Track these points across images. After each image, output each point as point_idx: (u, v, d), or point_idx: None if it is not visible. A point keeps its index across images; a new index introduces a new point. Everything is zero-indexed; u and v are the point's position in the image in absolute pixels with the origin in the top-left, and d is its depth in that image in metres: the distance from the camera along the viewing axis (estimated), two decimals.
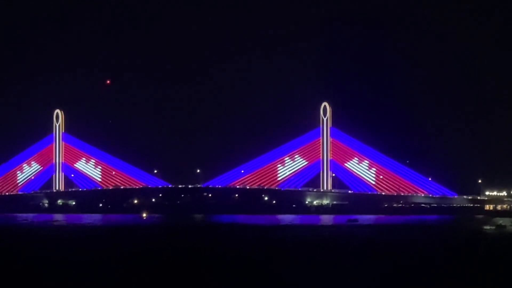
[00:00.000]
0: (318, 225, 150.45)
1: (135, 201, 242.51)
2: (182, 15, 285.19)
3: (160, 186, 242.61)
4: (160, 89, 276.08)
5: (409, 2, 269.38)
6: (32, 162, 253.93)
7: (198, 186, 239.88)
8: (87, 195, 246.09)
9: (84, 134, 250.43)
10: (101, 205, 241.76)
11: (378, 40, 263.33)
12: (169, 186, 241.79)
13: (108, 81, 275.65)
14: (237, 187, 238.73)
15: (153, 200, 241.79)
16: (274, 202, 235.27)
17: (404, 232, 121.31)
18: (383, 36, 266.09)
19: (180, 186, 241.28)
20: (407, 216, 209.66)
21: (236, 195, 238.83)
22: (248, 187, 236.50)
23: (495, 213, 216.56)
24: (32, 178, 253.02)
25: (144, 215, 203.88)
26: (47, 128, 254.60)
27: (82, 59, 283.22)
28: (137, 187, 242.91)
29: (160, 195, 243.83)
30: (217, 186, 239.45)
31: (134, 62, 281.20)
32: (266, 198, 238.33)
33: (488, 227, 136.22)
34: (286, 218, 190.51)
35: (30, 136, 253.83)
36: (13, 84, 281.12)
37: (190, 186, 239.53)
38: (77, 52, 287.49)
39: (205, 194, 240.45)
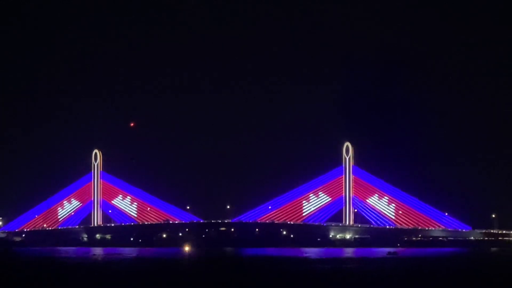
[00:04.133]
0: (361, 258, 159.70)
1: (164, 235, 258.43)
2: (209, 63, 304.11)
3: (193, 221, 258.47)
4: (192, 130, 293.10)
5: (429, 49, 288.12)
6: (72, 199, 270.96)
7: (227, 221, 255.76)
8: (124, 230, 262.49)
9: (121, 172, 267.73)
10: (132, 239, 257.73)
11: (396, 81, 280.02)
12: (201, 221, 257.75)
13: (132, 124, 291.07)
14: (266, 222, 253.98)
15: (180, 234, 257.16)
16: (293, 236, 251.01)
17: (449, 264, 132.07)
18: (399, 78, 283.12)
19: (210, 221, 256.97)
20: (431, 248, 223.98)
21: (262, 229, 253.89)
22: (275, 222, 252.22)
23: None
24: (72, 214, 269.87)
25: (187, 249, 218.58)
26: (86, 167, 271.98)
27: (118, 99, 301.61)
28: (170, 222, 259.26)
29: (187, 229, 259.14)
30: (245, 221, 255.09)
31: (167, 103, 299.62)
32: (291, 233, 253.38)
33: None
34: (320, 251, 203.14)
35: (69, 174, 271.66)
36: (52, 124, 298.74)
37: (219, 221, 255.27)
38: (112, 94, 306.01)
39: (233, 229, 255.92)
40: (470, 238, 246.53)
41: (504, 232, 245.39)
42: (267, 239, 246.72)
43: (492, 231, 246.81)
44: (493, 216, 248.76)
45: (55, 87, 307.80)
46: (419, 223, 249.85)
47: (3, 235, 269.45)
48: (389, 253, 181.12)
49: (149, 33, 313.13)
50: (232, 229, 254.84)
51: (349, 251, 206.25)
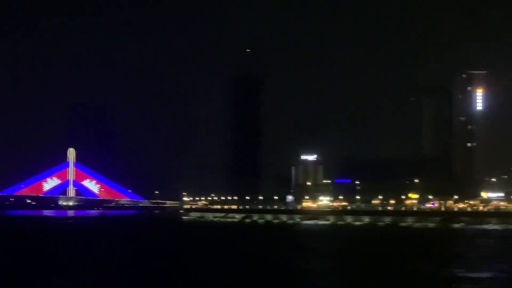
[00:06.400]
0: (80, 216, 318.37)
1: None
2: None
3: None
4: None
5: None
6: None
7: None
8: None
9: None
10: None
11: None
12: None
13: None
14: (19, 194, 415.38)
15: None
16: (36, 203, 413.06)
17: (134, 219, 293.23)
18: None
19: None
20: (121, 211, 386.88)
21: (17, 199, 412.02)
22: (25, 195, 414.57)
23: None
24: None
25: None
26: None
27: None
28: None
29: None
30: (5, 194, 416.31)
31: None
32: (35, 201, 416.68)
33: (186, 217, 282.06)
34: (53, 212, 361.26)
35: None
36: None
37: None
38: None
39: None
40: (144, 205, 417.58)
41: (162, 201, 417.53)
42: (20, 205, 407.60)
43: (156, 201, 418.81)
44: (156, 192, 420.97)
45: None
46: (114, 196, 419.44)
47: None
48: (101, 213, 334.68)
49: None
50: None
51: (71, 212, 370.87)
